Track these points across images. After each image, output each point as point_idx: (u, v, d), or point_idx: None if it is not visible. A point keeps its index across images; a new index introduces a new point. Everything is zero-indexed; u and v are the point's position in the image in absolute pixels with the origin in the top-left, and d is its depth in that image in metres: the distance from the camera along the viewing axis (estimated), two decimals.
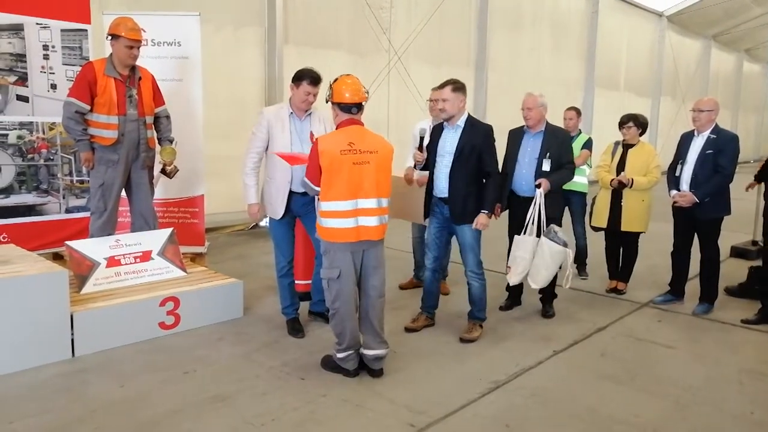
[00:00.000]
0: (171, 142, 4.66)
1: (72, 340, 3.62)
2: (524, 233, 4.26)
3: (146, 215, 4.59)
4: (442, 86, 3.95)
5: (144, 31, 4.41)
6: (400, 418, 3.05)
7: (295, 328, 4.12)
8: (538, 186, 4.22)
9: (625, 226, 5.03)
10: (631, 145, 5.08)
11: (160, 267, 4.41)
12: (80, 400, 3.13)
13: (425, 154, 4.03)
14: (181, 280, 4.38)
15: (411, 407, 3.16)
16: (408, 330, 4.19)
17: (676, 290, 5.04)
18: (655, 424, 3.08)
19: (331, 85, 3.39)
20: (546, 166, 4.34)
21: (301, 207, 4.03)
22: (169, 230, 4.60)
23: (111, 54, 4.31)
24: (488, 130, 4.02)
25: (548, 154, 4.35)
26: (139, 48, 4.31)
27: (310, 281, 4.41)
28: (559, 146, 4.41)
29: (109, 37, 4.28)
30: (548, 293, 4.68)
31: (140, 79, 4.42)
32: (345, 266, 3.35)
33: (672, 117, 17.47)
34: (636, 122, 5.06)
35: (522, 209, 4.29)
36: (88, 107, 4.18)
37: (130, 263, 4.28)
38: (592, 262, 5.77)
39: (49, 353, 3.52)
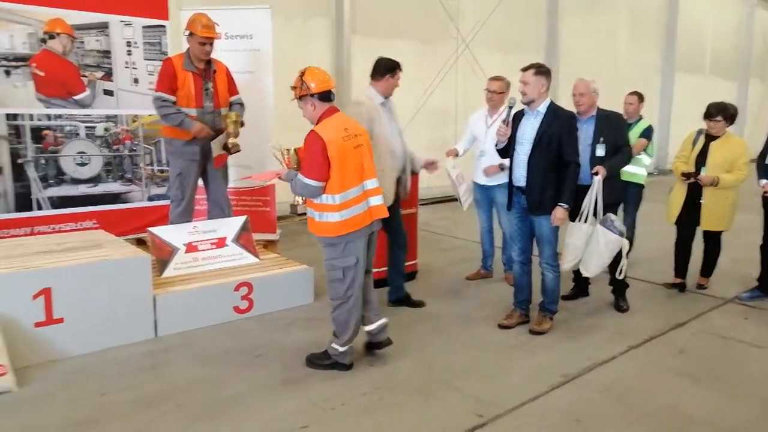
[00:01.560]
0: (241, 107, 4.66)
1: (155, 321, 3.83)
2: (578, 220, 4.12)
3: (222, 203, 4.77)
4: (525, 69, 3.86)
5: (217, 25, 4.56)
6: (468, 408, 3.04)
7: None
8: (595, 173, 4.07)
9: (705, 224, 4.65)
10: (716, 137, 4.65)
11: (234, 253, 4.58)
12: (163, 378, 3.31)
13: (510, 130, 3.93)
14: (254, 266, 4.53)
15: (479, 398, 3.14)
16: (502, 327, 4.09)
17: (765, 286, 4.73)
18: (738, 429, 2.92)
19: (302, 79, 3.21)
20: (600, 152, 4.18)
21: None
22: (243, 218, 4.76)
23: (188, 49, 4.48)
24: (570, 117, 3.90)
25: (602, 139, 4.19)
26: (212, 44, 4.46)
27: (383, 269, 4.46)
28: (614, 130, 4.23)
29: (187, 33, 4.46)
30: (619, 285, 4.51)
31: (215, 71, 4.58)
32: (360, 254, 3.32)
33: (761, 100, 16.36)
34: (725, 115, 4.55)
35: (576, 197, 4.10)
36: (174, 98, 4.38)
37: (207, 249, 4.46)
38: (659, 256, 5.49)
39: (134, 333, 3.75)
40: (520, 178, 3.92)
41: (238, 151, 4.65)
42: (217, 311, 4.06)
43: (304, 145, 3.25)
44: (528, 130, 3.87)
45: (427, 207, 8.11)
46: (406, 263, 4.60)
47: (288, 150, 3.45)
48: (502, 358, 3.66)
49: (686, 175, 4.61)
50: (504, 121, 3.93)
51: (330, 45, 7.93)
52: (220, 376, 3.35)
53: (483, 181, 4.82)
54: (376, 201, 3.35)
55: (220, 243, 4.56)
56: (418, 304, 4.47)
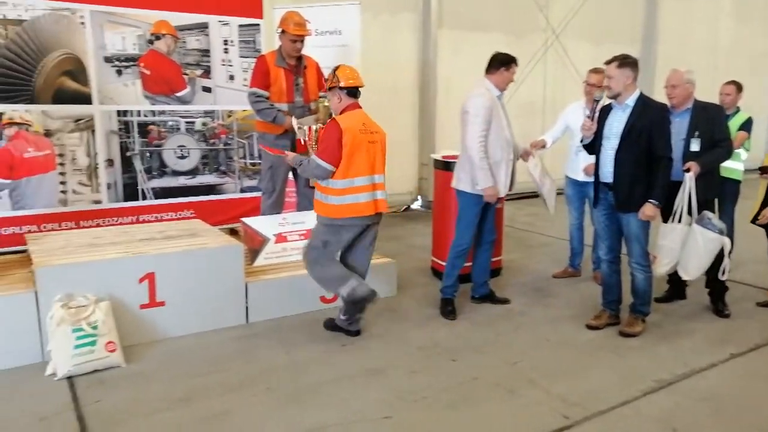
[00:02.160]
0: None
1: (246, 308, 4.01)
2: (672, 220, 3.89)
3: (310, 196, 4.89)
4: (608, 62, 3.72)
5: (309, 22, 4.68)
6: (553, 408, 2.97)
7: (450, 309, 4.18)
8: (687, 170, 3.83)
9: None
10: None
11: None
12: (253, 362, 3.47)
13: (596, 125, 3.80)
14: None
15: (566, 398, 3.06)
16: (590, 327, 3.96)
17: None
18: None
19: (335, 73, 3.56)
20: (694, 146, 3.94)
21: None
22: None
23: (280, 46, 4.64)
24: (662, 109, 3.72)
25: (697, 133, 3.94)
26: (303, 41, 4.58)
27: (467, 264, 4.45)
28: (711, 123, 3.96)
29: (279, 31, 4.61)
30: (718, 288, 4.23)
31: (305, 67, 4.72)
32: (341, 241, 3.67)
33: None
34: None
35: (668, 195, 3.86)
36: (267, 94, 4.56)
37: (296, 240, 4.60)
38: (762, 257, 5.04)
39: (227, 318, 3.94)
40: (607, 174, 3.78)
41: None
42: (305, 300, 4.19)
43: (324, 131, 3.62)
44: (615, 124, 3.73)
45: (512, 202, 7.95)
46: (491, 259, 4.54)
47: (311, 128, 3.89)
48: (590, 358, 3.54)
49: (762, 170, 4.25)
50: (588, 116, 3.81)
51: (416, 39, 7.93)
52: (306, 362, 3.46)
53: (581, 177, 4.67)
54: (381, 195, 3.65)
55: (308, 234, 4.68)
56: (503, 301, 4.41)
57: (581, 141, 4.00)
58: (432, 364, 3.44)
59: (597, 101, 3.84)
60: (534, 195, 4.58)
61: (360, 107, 3.65)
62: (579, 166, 4.67)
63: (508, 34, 8.49)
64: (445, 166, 4.86)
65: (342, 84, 3.56)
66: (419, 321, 4.10)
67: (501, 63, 4.04)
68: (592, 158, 4.27)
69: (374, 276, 4.49)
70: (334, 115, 3.63)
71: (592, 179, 4.48)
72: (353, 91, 3.60)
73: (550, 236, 6.51)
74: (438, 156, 5.18)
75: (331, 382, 3.23)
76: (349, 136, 3.48)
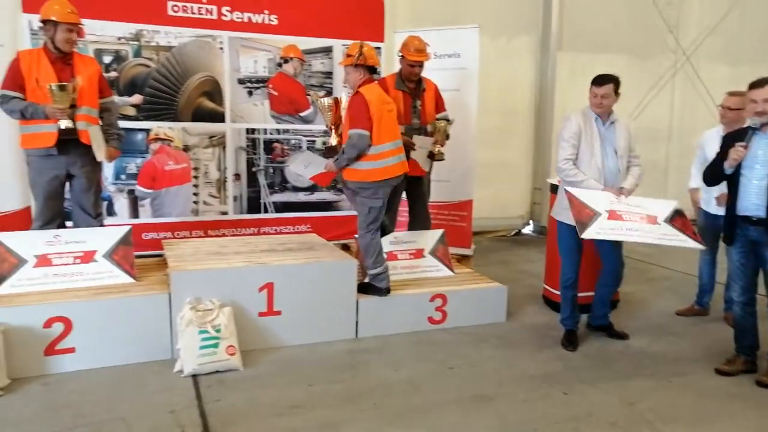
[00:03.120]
0: (447, 122, 4.83)
1: (357, 323, 4.10)
2: None
3: (422, 217, 4.95)
4: (760, 84, 3.40)
5: (428, 46, 4.76)
6: None
7: (570, 340, 4.04)
8: None
9: None
10: None
11: (430, 265, 4.71)
12: (362, 377, 3.54)
13: (746, 152, 3.45)
14: (449, 279, 4.62)
15: None
16: (720, 373, 3.67)
17: None
18: None
19: (362, 51, 3.90)
20: None
21: None
22: (440, 231, 4.88)
23: (400, 69, 4.76)
24: None
25: None
26: (421, 66, 4.67)
27: (590, 293, 4.27)
28: None
29: (399, 55, 4.74)
30: None
31: (424, 90, 4.80)
32: (378, 205, 4.02)
33: None
34: None
35: None
36: None
37: (406, 258, 4.66)
38: None
39: (338, 331, 4.05)
40: (751, 207, 3.46)
41: (442, 159, 4.82)
42: (413, 319, 4.22)
43: (351, 105, 3.94)
44: (760, 152, 3.41)
45: None
46: (611, 291, 4.28)
47: (330, 97, 4.34)
48: (719, 407, 3.25)
49: None
50: (743, 145, 3.47)
51: (534, 61, 7.80)
52: (413, 382, 3.47)
53: (713, 209, 4.33)
54: (405, 157, 4.11)
55: (418, 254, 4.73)
56: (621, 336, 4.17)
57: (722, 171, 3.63)
58: (543, 395, 3.32)
59: (753, 128, 3.51)
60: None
61: (374, 81, 4.06)
62: (712, 197, 4.33)
63: (633, 56, 8.11)
64: None
65: (368, 63, 3.94)
66: (530, 350, 3.98)
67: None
68: (724, 188, 3.98)
69: (484, 301, 4.45)
70: (352, 89, 4.00)
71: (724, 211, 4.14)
72: (374, 69, 4.04)
73: (670, 269, 6.09)
74: (554, 180, 5.04)
75: (439, 404, 3.22)
76: (374, 107, 3.87)
